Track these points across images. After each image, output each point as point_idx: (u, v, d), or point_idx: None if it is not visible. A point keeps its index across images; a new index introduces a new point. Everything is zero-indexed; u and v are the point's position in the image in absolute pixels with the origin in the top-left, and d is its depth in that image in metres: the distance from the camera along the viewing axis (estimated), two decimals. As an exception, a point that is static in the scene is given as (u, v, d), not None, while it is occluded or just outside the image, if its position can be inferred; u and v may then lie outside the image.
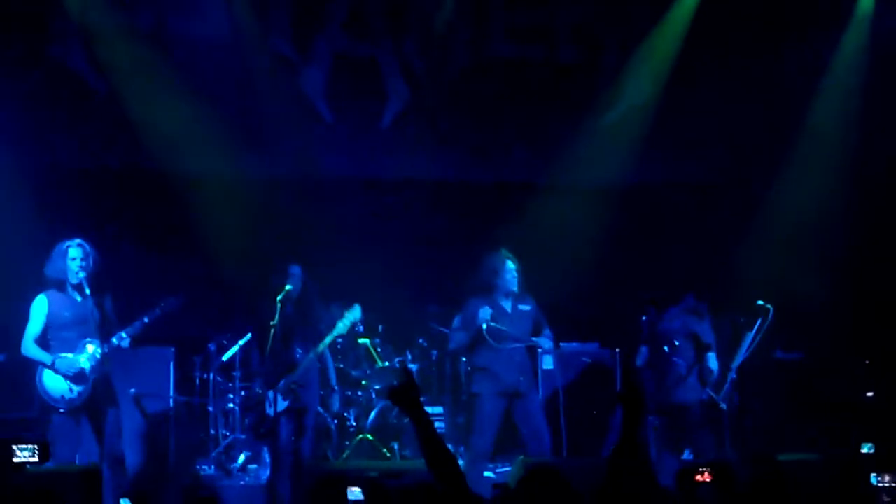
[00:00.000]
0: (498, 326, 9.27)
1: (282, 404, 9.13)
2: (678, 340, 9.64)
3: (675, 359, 9.55)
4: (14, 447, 4.77)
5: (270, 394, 9.12)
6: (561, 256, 11.19)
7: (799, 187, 11.68)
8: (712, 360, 9.61)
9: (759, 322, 9.71)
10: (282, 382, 9.14)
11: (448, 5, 11.58)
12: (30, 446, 4.81)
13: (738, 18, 11.70)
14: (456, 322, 9.70)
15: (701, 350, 9.57)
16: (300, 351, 9.43)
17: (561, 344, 10.88)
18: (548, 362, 10.59)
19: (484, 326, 9.23)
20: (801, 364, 10.80)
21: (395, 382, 4.78)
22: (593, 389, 10.67)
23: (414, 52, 11.75)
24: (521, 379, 9.33)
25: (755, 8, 11.69)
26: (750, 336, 9.75)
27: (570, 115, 11.76)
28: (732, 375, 9.75)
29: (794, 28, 11.72)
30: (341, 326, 9.36)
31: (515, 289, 9.47)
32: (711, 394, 9.57)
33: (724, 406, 9.62)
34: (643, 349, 9.78)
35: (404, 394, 4.63)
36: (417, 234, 11.54)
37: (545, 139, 11.77)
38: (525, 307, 9.52)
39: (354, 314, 9.40)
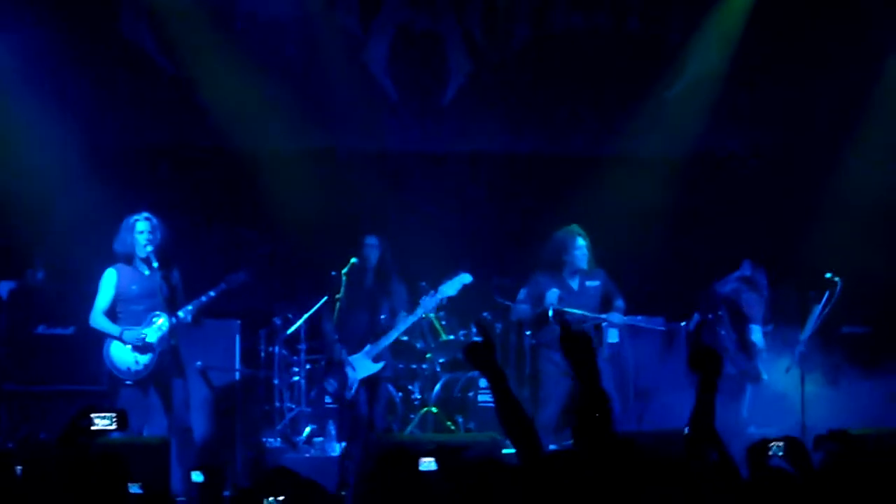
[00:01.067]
0: (564, 309, 9.26)
1: (371, 368, 9.22)
2: (722, 310, 9.62)
3: (717, 327, 9.53)
4: (92, 415, 4.81)
5: (352, 358, 9.22)
6: (627, 229, 11.13)
7: (868, 159, 11.50)
8: (754, 333, 9.55)
9: (826, 295, 9.63)
10: (368, 347, 9.24)
11: (510, -24, 11.56)
12: (108, 414, 4.85)
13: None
14: (521, 294, 9.68)
15: (741, 321, 9.53)
16: (385, 317, 9.54)
17: (626, 318, 10.85)
18: (612, 336, 10.55)
19: (550, 312, 9.23)
20: (869, 338, 10.67)
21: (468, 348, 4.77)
22: (660, 363, 10.63)
23: (477, 25, 11.72)
24: None
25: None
26: (818, 309, 9.67)
27: (636, 86, 11.66)
28: (800, 349, 9.69)
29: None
30: (447, 288, 9.44)
31: (585, 266, 9.47)
32: (757, 365, 9.51)
33: (765, 377, 9.54)
34: (695, 315, 9.78)
35: (480, 351, 4.62)
36: (481, 207, 11.53)
37: (611, 111, 11.69)
38: (593, 283, 9.51)
39: (464, 278, 9.46)
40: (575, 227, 9.51)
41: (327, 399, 9.73)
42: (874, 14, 11.43)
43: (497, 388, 4.55)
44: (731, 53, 11.57)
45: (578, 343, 4.57)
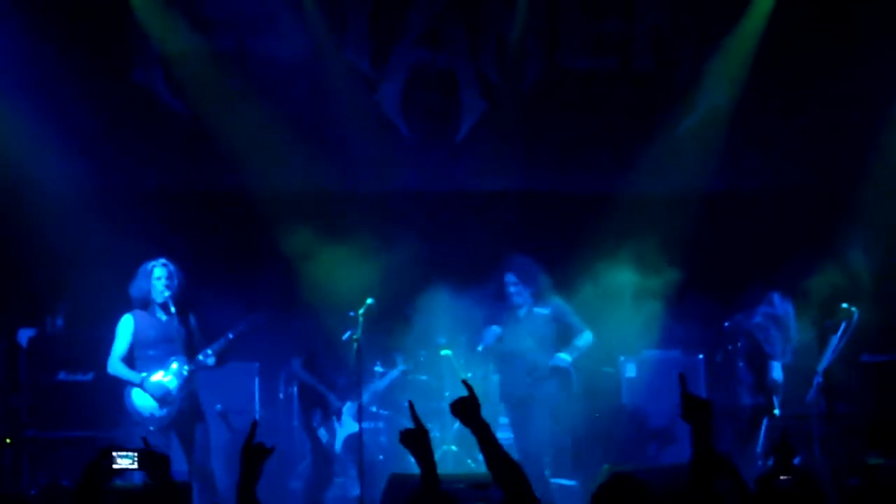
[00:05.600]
0: (499, 347, 9.40)
1: (354, 425, 9.27)
2: (742, 342, 9.62)
3: (735, 358, 9.54)
4: (115, 454, 4.90)
5: (345, 409, 9.27)
6: (641, 265, 11.12)
7: (884, 190, 11.46)
8: (775, 370, 9.53)
9: (843, 325, 9.61)
10: (348, 403, 9.29)
11: (522, 16, 11.60)
12: (130, 454, 4.94)
13: (815, 18, 11.56)
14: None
15: (761, 356, 9.51)
16: (381, 369, 9.60)
17: (643, 352, 10.86)
18: (630, 370, 10.58)
19: (479, 347, 9.39)
20: (890, 366, 10.62)
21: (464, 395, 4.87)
22: (678, 397, 10.58)
23: (489, 64, 11.78)
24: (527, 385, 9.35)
25: (833, 7, 11.55)
26: (835, 339, 9.65)
27: (647, 123, 11.68)
28: (818, 379, 9.67)
29: (875, 26, 11.53)
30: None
31: (518, 301, 9.44)
32: (773, 400, 9.50)
33: (777, 412, 9.53)
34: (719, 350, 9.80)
35: (465, 407, 4.72)
36: (495, 245, 11.53)
37: (622, 149, 11.70)
38: (542, 311, 9.45)
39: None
40: (507, 261, 9.52)
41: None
42: (885, 44, 11.43)
43: (483, 440, 4.67)
44: (740, 88, 11.60)
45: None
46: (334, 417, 9.41)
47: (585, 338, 9.43)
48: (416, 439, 4.76)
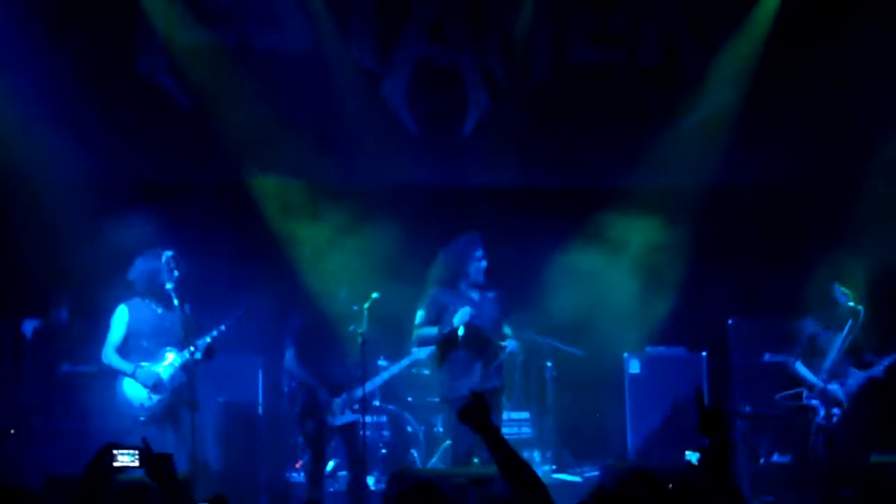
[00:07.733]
0: (476, 325, 8.86)
1: (350, 416, 9.23)
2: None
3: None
4: (115, 452, 4.89)
5: (336, 403, 9.24)
6: (646, 260, 11.12)
7: (890, 185, 11.44)
8: (797, 368, 9.52)
9: (849, 324, 9.60)
10: (344, 395, 9.24)
11: (528, 11, 11.59)
12: (131, 451, 4.94)
13: (822, 14, 11.55)
14: (420, 316, 9.18)
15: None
16: (384, 363, 9.56)
17: (647, 349, 10.85)
18: (634, 367, 10.57)
19: (461, 332, 8.78)
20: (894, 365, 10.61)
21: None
22: (681, 394, 10.60)
23: (495, 59, 11.77)
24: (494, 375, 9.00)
25: (839, 3, 11.54)
26: (840, 338, 9.64)
27: (653, 118, 11.65)
28: (823, 377, 9.66)
29: (881, 21, 11.52)
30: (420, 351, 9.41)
31: (483, 279, 9.11)
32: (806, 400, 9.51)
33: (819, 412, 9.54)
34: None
35: (473, 413, 4.65)
36: (500, 240, 11.53)
37: (628, 144, 11.67)
38: (490, 294, 9.15)
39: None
40: (476, 235, 9.26)
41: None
42: (891, 40, 11.41)
43: (494, 445, 4.59)
44: (747, 83, 11.57)
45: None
46: (327, 412, 9.33)
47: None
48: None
